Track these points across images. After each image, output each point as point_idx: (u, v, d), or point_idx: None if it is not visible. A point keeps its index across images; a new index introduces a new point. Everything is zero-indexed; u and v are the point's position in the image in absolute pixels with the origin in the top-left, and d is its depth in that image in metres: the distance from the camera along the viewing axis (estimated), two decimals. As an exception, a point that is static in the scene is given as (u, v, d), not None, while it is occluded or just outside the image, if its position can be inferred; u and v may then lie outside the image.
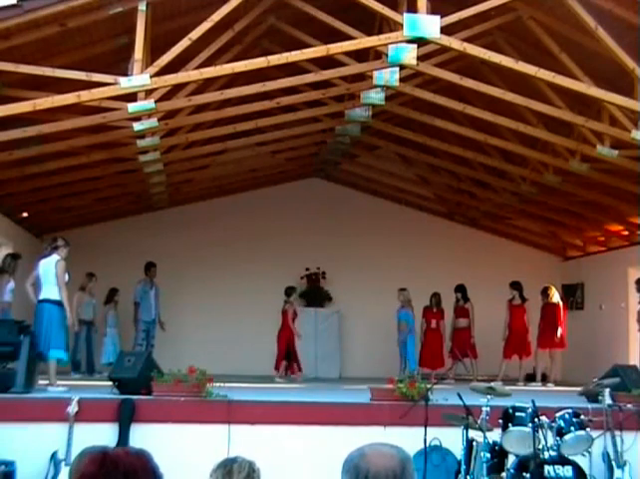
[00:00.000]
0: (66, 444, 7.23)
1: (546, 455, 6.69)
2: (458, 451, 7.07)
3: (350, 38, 8.29)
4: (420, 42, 8.02)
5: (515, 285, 12.72)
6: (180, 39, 7.74)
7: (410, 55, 8.02)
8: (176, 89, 8.80)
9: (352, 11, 8.52)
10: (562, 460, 6.69)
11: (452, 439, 7.27)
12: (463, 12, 8.09)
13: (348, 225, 14.96)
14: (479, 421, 6.72)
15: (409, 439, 6.32)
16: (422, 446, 6.98)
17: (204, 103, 9.52)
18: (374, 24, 9.07)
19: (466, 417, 6.68)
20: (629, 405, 8.00)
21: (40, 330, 8.45)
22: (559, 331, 12.55)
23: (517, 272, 13.56)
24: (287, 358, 12.73)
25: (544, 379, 12.57)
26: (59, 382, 8.67)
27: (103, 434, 7.34)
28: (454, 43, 8.22)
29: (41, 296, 8.69)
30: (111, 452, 2.05)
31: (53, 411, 7.52)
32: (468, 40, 8.53)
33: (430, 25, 7.77)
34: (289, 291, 13.09)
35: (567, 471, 6.66)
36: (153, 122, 9.07)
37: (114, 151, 10.59)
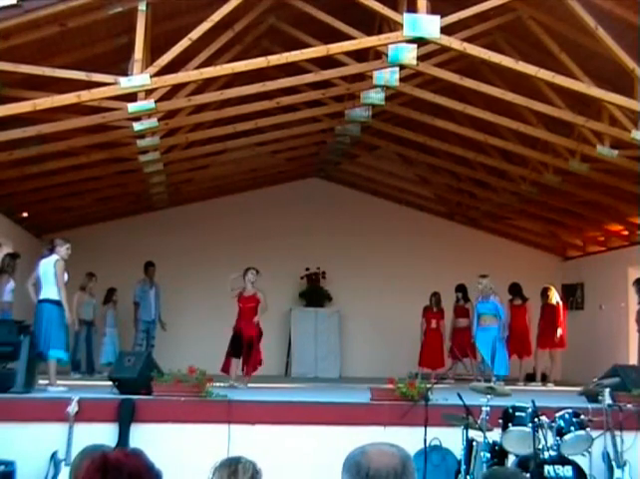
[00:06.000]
0: (66, 444, 7.23)
1: (546, 455, 6.70)
2: (458, 451, 7.07)
3: (350, 38, 8.29)
4: (420, 42, 8.01)
5: (513, 289, 12.72)
6: (180, 39, 7.73)
7: (410, 55, 8.02)
8: (176, 89, 8.80)
9: (352, 11, 8.52)
10: (562, 460, 6.70)
11: (452, 439, 7.27)
12: (462, 12, 8.09)
13: (348, 225, 14.96)
14: (479, 421, 6.72)
15: (409, 439, 6.32)
16: (422, 446, 6.98)
17: (204, 103, 9.53)
18: (374, 24, 9.07)
19: (466, 417, 6.69)
20: (629, 405, 8.00)
21: (40, 330, 8.45)
22: (559, 331, 12.56)
23: (517, 272, 13.56)
24: (236, 355, 10.54)
25: (544, 379, 12.58)
26: (59, 382, 8.67)
27: (103, 434, 7.34)
28: (454, 43, 8.21)
29: (40, 296, 8.69)
30: (111, 456, 2.04)
31: (53, 411, 7.52)
32: (468, 40, 8.53)
33: (430, 25, 7.76)
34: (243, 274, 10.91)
35: (567, 471, 6.67)
36: (153, 122, 9.07)
37: (114, 151, 10.59)
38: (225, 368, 10.54)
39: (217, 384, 8.50)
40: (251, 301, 10.68)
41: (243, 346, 10.46)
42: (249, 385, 10.23)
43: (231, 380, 10.19)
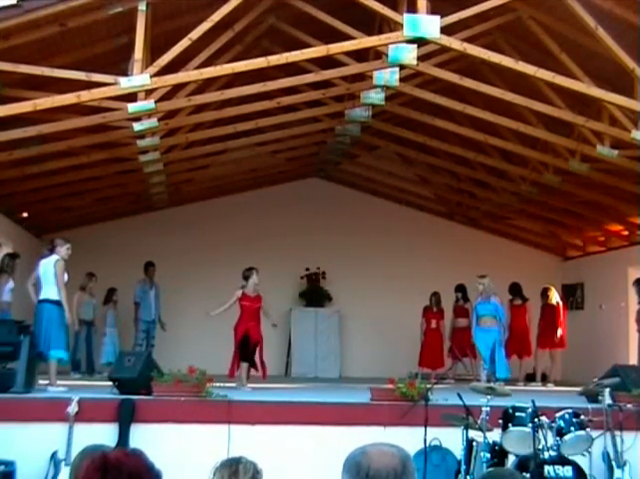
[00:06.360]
0: (66, 444, 7.23)
1: (546, 455, 6.70)
2: (458, 451, 7.07)
3: (350, 38, 8.29)
4: (420, 42, 8.02)
5: (513, 289, 12.73)
6: (180, 39, 7.74)
7: (410, 55, 8.02)
8: (176, 89, 8.80)
9: (352, 11, 8.52)
10: (562, 460, 6.70)
11: (452, 439, 7.26)
12: (463, 12, 8.09)
13: (348, 225, 14.96)
14: (478, 421, 6.72)
15: (409, 439, 6.32)
16: (422, 446, 6.98)
17: (204, 103, 9.53)
18: (374, 24, 9.07)
19: (466, 417, 6.69)
20: (629, 405, 8.00)
21: (40, 330, 8.45)
22: (559, 331, 12.56)
23: (517, 272, 13.56)
24: (244, 359, 10.20)
25: (544, 379, 12.58)
26: (59, 382, 8.67)
27: (103, 434, 7.34)
28: (454, 43, 8.22)
29: (40, 296, 8.69)
30: (111, 456, 2.04)
31: (53, 411, 7.52)
32: (468, 40, 8.53)
33: (430, 25, 7.77)
34: (245, 274, 10.58)
35: (567, 471, 6.67)
36: (153, 122, 9.07)
37: (114, 151, 10.59)
38: (232, 371, 10.16)
39: (230, 385, 8.48)
40: (258, 302, 10.43)
41: (252, 348, 10.17)
42: (249, 385, 10.20)
43: (243, 382, 9.97)
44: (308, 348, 14.27)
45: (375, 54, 9.10)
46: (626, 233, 13.46)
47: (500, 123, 10.37)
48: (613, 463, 7.33)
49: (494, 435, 6.82)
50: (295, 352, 14.27)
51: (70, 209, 13.44)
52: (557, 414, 6.89)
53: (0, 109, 7.82)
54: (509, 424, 6.72)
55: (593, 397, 7.93)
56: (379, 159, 14.45)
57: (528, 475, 6.49)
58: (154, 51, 7.85)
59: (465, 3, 8.22)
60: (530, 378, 12.64)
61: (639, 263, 12.26)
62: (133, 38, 7.69)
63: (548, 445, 6.74)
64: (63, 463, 7.23)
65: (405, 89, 9.84)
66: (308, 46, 8.60)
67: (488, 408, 6.84)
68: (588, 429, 6.83)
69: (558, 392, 10.94)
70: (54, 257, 8.75)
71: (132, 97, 8.13)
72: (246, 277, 10.48)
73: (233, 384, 9.78)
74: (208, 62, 8.34)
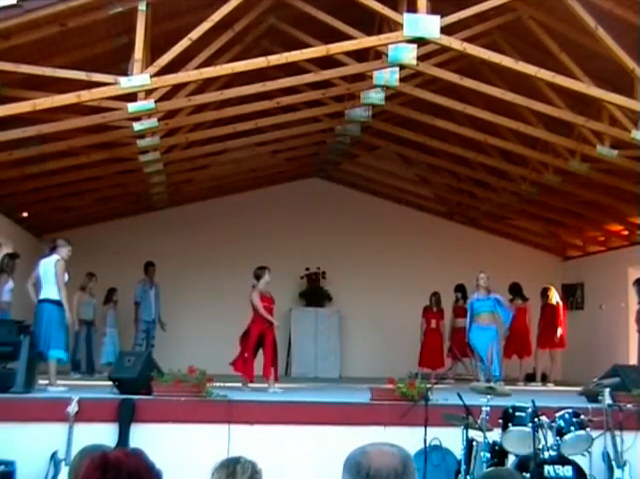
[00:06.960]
0: (66, 444, 7.23)
1: (546, 455, 6.70)
2: (458, 451, 7.07)
3: (350, 38, 8.29)
4: (420, 42, 8.02)
5: (513, 289, 12.72)
6: (180, 39, 7.74)
7: (410, 55, 8.02)
8: (176, 89, 8.81)
9: (352, 11, 8.52)
10: (562, 460, 6.70)
11: (452, 439, 7.26)
12: (463, 12, 8.09)
13: (348, 225, 14.96)
14: (478, 421, 6.72)
15: (409, 439, 6.31)
16: (422, 446, 6.98)
17: (204, 103, 9.53)
18: (374, 24, 9.08)
19: (466, 417, 6.69)
20: (629, 405, 8.01)
21: (40, 330, 8.45)
22: (559, 331, 12.56)
23: (517, 272, 13.56)
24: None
25: (544, 379, 12.58)
26: (59, 382, 8.67)
27: (103, 434, 7.33)
28: (454, 43, 8.22)
29: (41, 296, 8.69)
30: (111, 455, 2.04)
31: (53, 411, 7.52)
32: (468, 40, 8.53)
33: (430, 25, 7.77)
34: (258, 273, 10.37)
35: (567, 471, 6.67)
36: (153, 122, 9.07)
37: (114, 151, 10.59)
38: (251, 373, 9.94)
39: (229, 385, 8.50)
40: (272, 303, 10.33)
41: (273, 349, 10.07)
42: (249, 385, 10.17)
43: (271, 383, 9.85)
44: (308, 348, 14.27)
45: (375, 54, 9.10)
46: (626, 232, 13.46)
47: (500, 123, 10.37)
48: (613, 463, 7.33)
49: (494, 435, 6.82)
50: (295, 352, 14.27)
51: (70, 209, 13.43)
52: (557, 414, 6.89)
53: (0, 109, 7.82)
54: (509, 424, 6.72)
55: (593, 397, 7.93)
56: (379, 159, 14.45)
57: (528, 475, 6.49)
58: (154, 51, 7.85)
59: (465, 3, 8.22)
60: (530, 378, 12.64)
61: (639, 263, 12.26)
62: (133, 38, 7.69)
63: (548, 445, 6.74)
64: (63, 463, 7.23)
65: (405, 89, 9.84)
66: (308, 46, 8.60)
67: (488, 408, 6.84)
68: (588, 429, 6.82)
69: (558, 392, 10.94)
70: (54, 257, 8.75)
71: (132, 97, 8.13)
72: (258, 277, 10.28)
73: (263, 385, 9.74)
74: (208, 62, 8.34)
